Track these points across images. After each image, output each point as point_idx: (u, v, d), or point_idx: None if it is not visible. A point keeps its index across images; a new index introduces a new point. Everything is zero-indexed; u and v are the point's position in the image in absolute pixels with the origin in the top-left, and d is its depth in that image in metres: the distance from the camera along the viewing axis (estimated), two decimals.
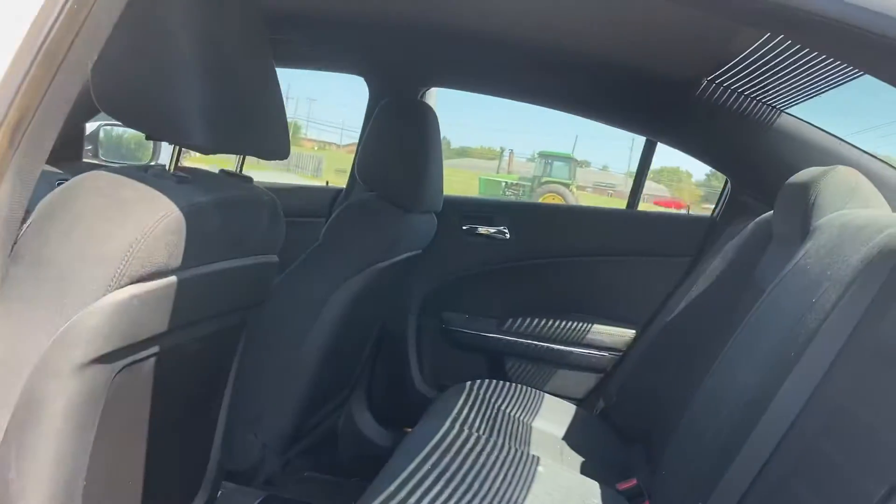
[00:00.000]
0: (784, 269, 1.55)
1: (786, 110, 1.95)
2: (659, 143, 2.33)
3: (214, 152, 1.07)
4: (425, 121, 1.91)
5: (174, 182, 1.04)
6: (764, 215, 1.96)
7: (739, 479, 1.24)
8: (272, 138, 1.19)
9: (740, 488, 1.23)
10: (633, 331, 2.31)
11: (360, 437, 2.33)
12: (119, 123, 2.39)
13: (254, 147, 1.17)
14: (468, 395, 2.00)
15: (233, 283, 1.21)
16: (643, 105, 2.14)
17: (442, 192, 2.10)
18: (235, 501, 1.75)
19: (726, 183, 2.29)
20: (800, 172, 1.76)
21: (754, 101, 1.93)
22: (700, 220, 2.33)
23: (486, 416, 1.89)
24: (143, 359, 1.05)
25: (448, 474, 1.50)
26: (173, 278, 1.03)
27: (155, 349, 1.07)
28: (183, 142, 1.04)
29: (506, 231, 2.42)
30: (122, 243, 0.93)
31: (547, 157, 17.22)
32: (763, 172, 2.03)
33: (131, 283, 0.95)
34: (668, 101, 2.06)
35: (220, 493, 1.67)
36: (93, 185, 0.97)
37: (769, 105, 1.95)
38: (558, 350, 2.36)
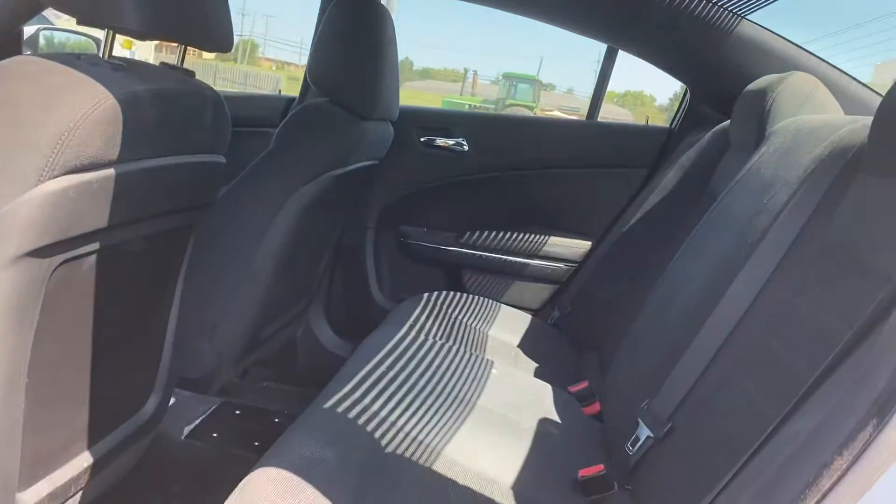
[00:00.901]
0: (738, 175, 1.56)
1: (747, 16, 1.92)
2: (620, 51, 2.29)
3: (148, 37, 1.01)
4: (380, 22, 1.84)
5: (108, 69, 0.99)
6: (721, 125, 1.96)
7: (685, 377, 1.27)
8: (214, 26, 1.13)
9: (686, 384, 1.26)
10: (589, 242, 2.33)
11: (319, 347, 2.33)
12: (60, 28, 2.27)
13: (194, 35, 1.12)
14: (425, 305, 2.01)
15: (175, 181, 1.17)
16: (604, 10, 2.09)
17: (398, 99, 2.05)
18: (190, 408, 1.76)
19: (685, 93, 2.28)
20: (758, 80, 1.75)
21: (715, 7, 1.90)
22: (658, 131, 2.32)
23: (443, 325, 1.90)
24: (82, 255, 1.02)
25: (403, 375, 1.51)
26: (111, 171, 0.99)
27: (95, 246, 1.04)
28: (114, 24, 0.98)
29: (464, 143, 2.39)
30: (53, 131, 0.89)
31: (511, 80, 17.01)
32: (722, 81, 2.01)
33: (65, 173, 0.91)
34: (629, 5, 2.01)
35: (174, 399, 1.67)
36: (20, 70, 0.92)
37: (730, 11, 1.92)
38: (515, 262, 2.37)
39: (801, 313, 1.06)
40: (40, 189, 0.89)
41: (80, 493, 1.23)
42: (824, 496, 0.61)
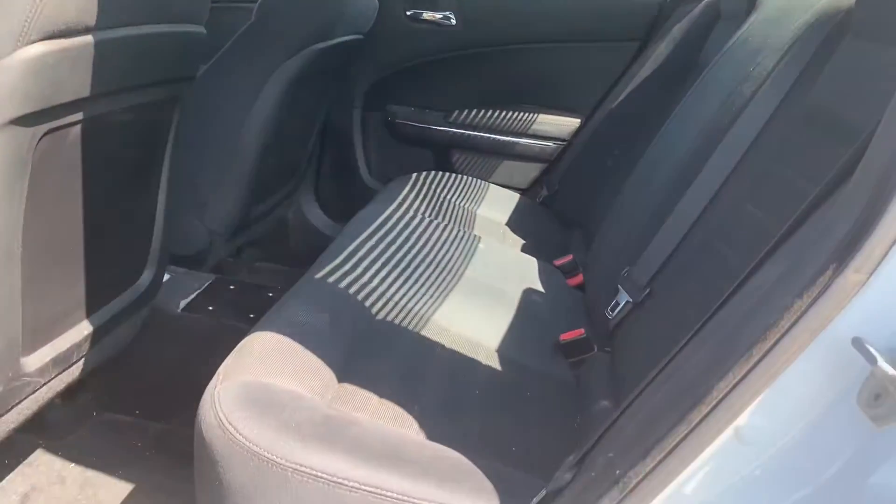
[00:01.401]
0: (727, 44, 1.54)
1: None
2: None
3: None
4: None
5: None
6: None
7: (665, 244, 1.31)
8: None
9: (665, 251, 1.30)
10: (578, 120, 2.32)
11: (310, 228, 2.36)
12: None
13: None
14: (413, 184, 2.03)
15: (156, 50, 1.16)
16: None
17: None
18: (185, 283, 1.80)
19: None
20: None
21: None
22: (649, 3, 2.26)
23: (431, 203, 1.92)
24: (67, 125, 1.02)
25: (392, 249, 1.55)
26: (89, 38, 0.97)
27: (79, 116, 1.04)
28: None
29: (451, 17, 2.33)
30: None
31: None
32: None
33: (42, 38, 0.90)
34: None
35: (170, 276, 1.71)
36: None
37: None
38: (504, 141, 2.37)
39: (778, 178, 1.08)
40: (18, 55, 0.88)
41: (83, 359, 1.29)
42: (783, 335, 0.65)
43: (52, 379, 1.20)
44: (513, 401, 1.24)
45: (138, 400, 1.60)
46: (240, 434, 0.92)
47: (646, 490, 0.70)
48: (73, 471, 1.44)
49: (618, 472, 0.73)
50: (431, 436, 1.06)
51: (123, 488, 1.40)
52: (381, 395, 1.13)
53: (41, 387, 1.18)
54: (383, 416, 1.09)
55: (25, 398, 1.15)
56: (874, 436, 0.62)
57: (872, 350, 0.59)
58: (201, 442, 0.97)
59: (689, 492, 0.70)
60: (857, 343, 0.60)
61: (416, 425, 1.09)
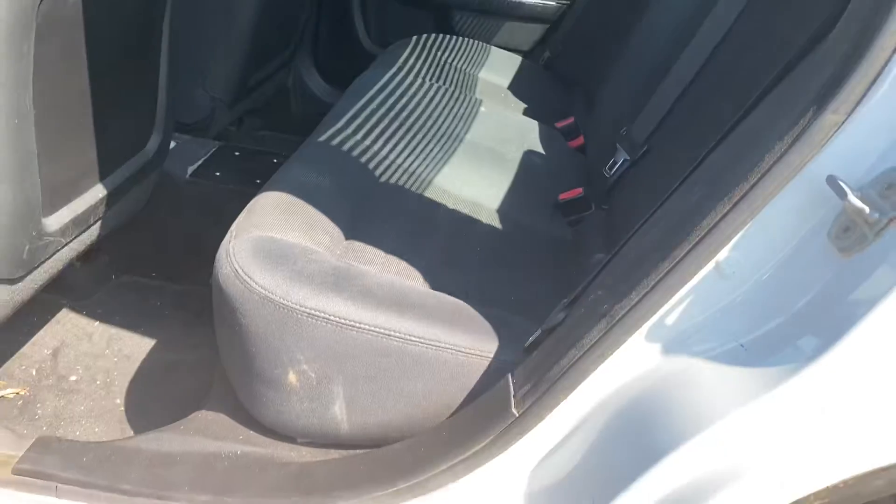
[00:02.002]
0: None
1: None
2: None
3: None
4: None
5: None
6: None
7: (663, 102, 1.33)
8: None
9: (663, 109, 1.32)
10: None
11: (310, 95, 2.36)
12: None
13: None
14: (414, 48, 2.01)
15: None
16: None
17: None
18: (191, 150, 1.83)
19: None
20: None
21: None
22: None
23: (432, 67, 1.91)
24: None
25: (393, 113, 1.57)
26: None
27: None
28: None
29: None
30: None
31: None
32: None
33: None
34: None
35: (176, 143, 1.73)
36: None
37: None
38: (506, 1, 2.31)
39: (774, 30, 1.09)
40: None
41: (99, 222, 1.34)
42: (763, 175, 0.69)
43: (73, 240, 1.26)
44: (512, 256, 1.30)
45: (154, 262, 1.67)
46: (255, 283, 0.99)
47: (630, 322, 0.76)
48: (98, 328, 1.52)
49: (605, 307, 0.79)
50: (435, 287, 1.13)
51: (147, 343, 1.49)
52: (386, 250, 1.19)
53: (63, 247, 1.23)
54: (389, 269, 1.15)
55: (49, 258, 1.21)
56: (842, 268, 0.68)
57: (844, 185, 0.63)
58: (220, 293, 1.03)
59: (671, 322, 0.76)
60: (831, 180, 0.64)
61: (420, 278, 1.15)
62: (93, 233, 1.34)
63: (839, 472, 0.63)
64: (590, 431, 0.81)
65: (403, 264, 1.17)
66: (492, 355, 0.98)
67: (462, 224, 1.34)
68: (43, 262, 1.20)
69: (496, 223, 1.38)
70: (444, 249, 1.25)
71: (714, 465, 0.67)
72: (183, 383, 1.37)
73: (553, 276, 1.27)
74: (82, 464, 0.98)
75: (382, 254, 1.18)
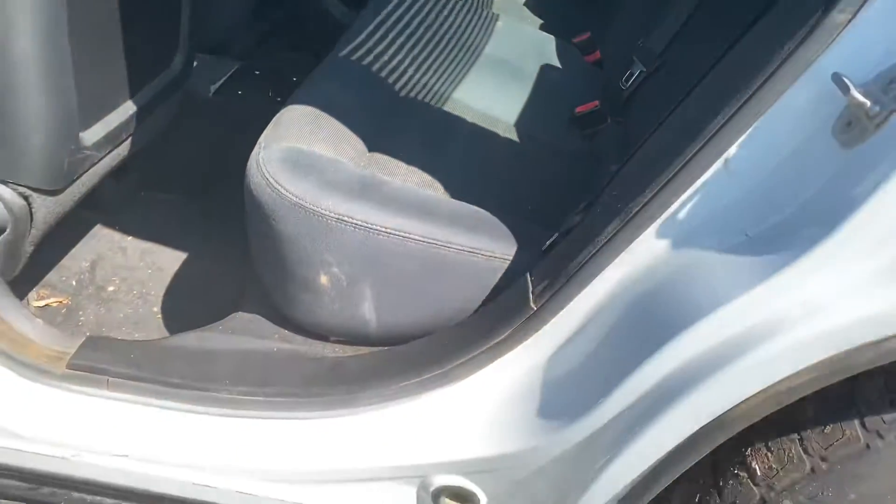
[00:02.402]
0: None
1: None
2: None
3: None
4: None
5: None
6: None
7: (679, 12, 1.34)
8: None
9: (679, 19, 1.33)
10: None
11: (327, 15, 2.35)
12: None
13: None
14: None
15: None
16: None
17: None
18: (213, 69, 1.86)
19: None
20: None
21: None
22: None
23: None
24: None
25: (411, 28, 1.58)
26: None
27: None
28: None
29: None
30: None
31: None
32: None
33: None
34: None
35: (198, 62, 1.76)
36: None
37: None
38: None
39: None
40: None
41: (130, 139, 1.39)
42: (772, 74, 0.72)
43: (107, 155, 1.31)
44: (529, 169, 1.34)
45: (183, 178, 1.72)
46: (286, 191, 1.04)
47: (643, 219, 0.81)
48: (131, 242, 1.59)
49: (619, 205, 0.83)
50: (455, 196, 1.18)
51: (179, 255, 1.56)
52: (407, 162, 1.23)
53: (98, 161, 1.29)
54: (411, 180, 1.20)
55: (86, 171, 1.27)
56: (845, 161, 0.72)
57: (847, 81, 0.66)
58: (252, 201, 1.09)
59: (682, 217, 0.81)
60: (836, 77, 0.68)
61: (440, 188, 1.20)
62: (124, 149, 1.39)
63: (832, 347, 0.69)
64: (603, 322, 0.87)
65: (425, 175, 1.22)
66: (510, 258, 1.03)
67: (480, 137, 1.38)
68: (80, 176, 1.26)
69: (513, 136, 1.42)
70: (463, 161, 1.30)
71: (715, 347, 0.73)
72: (214, 292, 1.44)
73: (569, 187, 1.31)
74: (130, 360, 1.06)
75: (404, 165, 1.23)
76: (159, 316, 1.44)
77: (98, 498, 1.05)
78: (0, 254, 1.16)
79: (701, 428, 0.75)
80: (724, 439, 0.76)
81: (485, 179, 1.27)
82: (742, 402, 0.72)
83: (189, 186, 1.70)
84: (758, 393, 0.71)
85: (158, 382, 1.03)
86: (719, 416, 0.73)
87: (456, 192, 1.20)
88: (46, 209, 1.20)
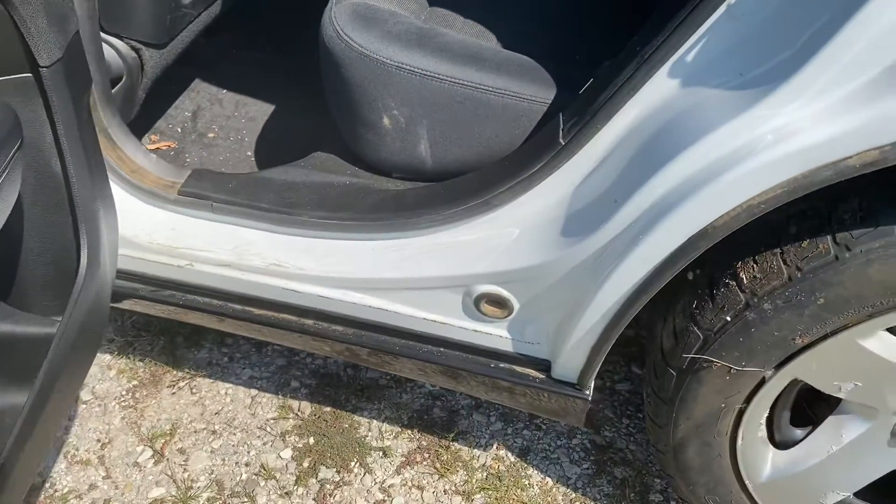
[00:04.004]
0: None
1: None
2: None
3: None
4: None
5: None
6: None
7: None
8: None
9: None
10: None
11: None
12: None
13: None
14: None
15: None
16: None
17: None
18: None
19: None
20: None
21: None
22: None
23: None
24: None
25: None
26: None
27: None
28: None
29: None
30: None
31: None
32: None
33: None
34: None
35: None
36: None
37: None
38: None
39: None
40: None
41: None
42: None
43: (202, 13, 1.48)
44: (581, 21, 1.43)
45: (270, 35, 1.89)
46: (353, 41, 1.19)
47: (657, 58, 0.92)
48: (227, 95, 1.79)
49: (637, 48, 0.95)
50: (508, 46, 1.30)
51: (269, 107, 1.75)
52: (465, 15, 1.35)
53: (194, 19, 1.46)
54: (468, 31, 1.32)
55: (185, 28, 1.44)
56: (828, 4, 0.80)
57: None
58: (325, 51, 1.24)
59: (689, 60, 0.91)
60: None
61: (494, 39, 1.32)
62: (216, 7, 1.55)
63: (798, 167, 0.80)
64: (621, 156, 1.00)
65: (480, 27, 1.34)
66: (550, 101, 1.16)
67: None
68: (181, 31, 1.44)
69: None
70: (518, 14, 1.40)
71: (702, 168, 0.86)
72: (298, 138, 1.63)
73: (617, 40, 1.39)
74: (229, 189, 1.27)
75: (461, 18, 1.35)
76: (252, 158, 1.65)
77: (206, 299, 1.30)
78: (120, 98, 1.37)
79: (690, 237, 0.89)
80: (707, 247, 0.89)
81: (537, 31, 1.37)
82: (723, 214, 0.85)
83: (276, 43, 1.87)
84: (736, 207, 0.84)
85: (252, 207, 1.24)
86: (704, 226, 0.87)
87: (509, 42, 1.32)
88: (154, 61, 1.40)
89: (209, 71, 1.82)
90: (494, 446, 1.51)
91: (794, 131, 0.80)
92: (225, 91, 1.80)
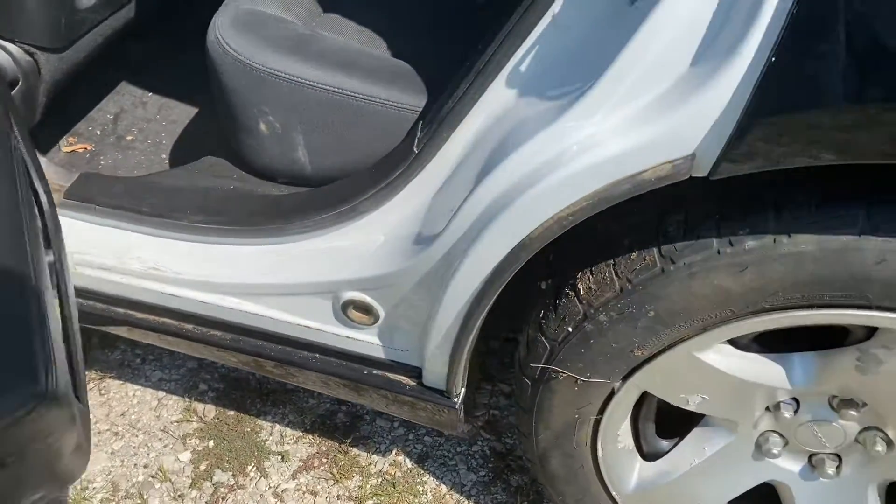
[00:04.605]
0: None
1: None
2: None
3: None
4: None
5: None
6: None
7: None
8: None
9: None
10: None
11: None
12: None
13: None
14: None
15: None
16: None
17: None
18: None
19: None
20: None
21: None
22: None
23: None
24: None
25: None
26: None
27: None
28: None
29: None
30: None
31: None
32: None
33: None
34: None
35: None
36: None
37: None
38: None
39: None
40: None
41: (134, 3, 1.55)
42: None
43: (108, 18, 1.49)
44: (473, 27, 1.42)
45: (196, 40, 1.89)
46: (229, 47, 1.19)
47: (493, 66, 0.91)
48: (151, 97, 1.79)
49: (476, 58, 0.94)
50: (398, 53, 1.29)
51: (192, 110, 1.75)
52: (358, 22, 1.35)
53: (98, 24, 1.47)
54: (359, 39, 1.32)
55: (88, 32, 1.45)
56: (625, 19, 0.79)
57: None
58: (208, 57, 1.25)
59: (523, 69, 0.91)
60: None
61: (385, 45, 1.32)
62: (130, 11, 1.56)
63: (598, 180, 0.80)
64: (470, 165, 0.99)
65: (371, 33, 1.34)
66: (420, 109, 1.16)
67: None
68: (83, 35, 1.45)
69: None
70: (411, 21, 1.39)
71: (517, 180, 0.85)
72: (212, 142, 1.64)
73: None
74: (113, 192, 1.28)
75: (354, 24, 1.34)
76: (167, 162, 1.66)
77: (91, 303, 1.31)
78: (19, 102, 1.38)
79: (511, 248, 0.88)
80: (527, 258, 0.89)
81: (429, 37, 1.36)
82: (538, 226, 0.85)
83: (203, 46, 1.87)
84: (548, 219, 0.84)
85: (133, 210, 1.25)
86: (522, 238, 0.87)
87: (400, 48, 1.31)
88: (52, 65, 1.41)
89: (136, 73, 1.83)
90: (393, 452, 1.51)
91: (595, 144, 0.79)
92: (150, 94, 1.81)
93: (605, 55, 0.81)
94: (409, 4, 1.42)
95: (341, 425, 1.54)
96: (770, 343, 1.00)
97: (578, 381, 1.01)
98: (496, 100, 0.94)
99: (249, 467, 1.48)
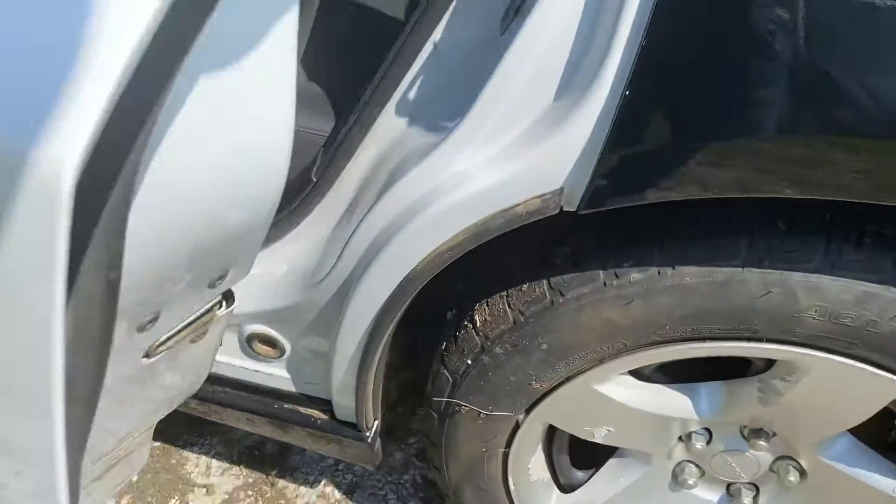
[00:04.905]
0: None
1: None
2: None
3: None
4: None
5: None
6: None
7: None
8: None
9: None
10: None
11: None
12: None
13: None
14: None
15: None
16: None
17: None
18: None
19: None
20: None
21: None
22: None
23: None
24: None
25: None
26: None
27: None
28: None
29: None
30: None
31: None
32: None
33: None
34: None
35: None
36: None
37: None
38: None
39: None
40: None
41: None
42: None
43: None
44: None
45: None
46: None
47: (378, 98, 0.89)
48: None
49: (365, 87, 0.92)
50: (313, 76, 1.27)
51: None
52: None
53: None
54: None
55: None
56: (497, 49, 0.77)
57: None
58: None
59: (412, 97, 0.88)
60: None
61: (301, 70, 1.29)
62: None
63: (472, 214, 0.77)
64: (367, 196, 0.97)
65: None
66: (328, 133, 1.13)
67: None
68: None
69: None
70: (336, 43, 1.37)
71: (398, 213, 0.83)
72: None
73: None
74: None
75: None
76: None
77: None
78: None
79: (399, 283, 0.85)
80: (414, 293, 0.86)
81: (340, 58, 1.33)
82: (420, 261, 0.82)
83: None
84: (429, 253, 0.81)
85: None
86: (407, 273, 0.84)
87: (318, 71, 1.29)
88: None
89: None
90: (322, 483, 1.47)
91: (467, 178, 0.77)
92: None
93: (479, 86, 0.79)
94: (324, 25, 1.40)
95: (269, 456, 1.50)
96: (678, 373, 0.97)
97: (481, 415, 0.98)
98: (388, 127, 0.92)
99: (173, 501, 1.43)
